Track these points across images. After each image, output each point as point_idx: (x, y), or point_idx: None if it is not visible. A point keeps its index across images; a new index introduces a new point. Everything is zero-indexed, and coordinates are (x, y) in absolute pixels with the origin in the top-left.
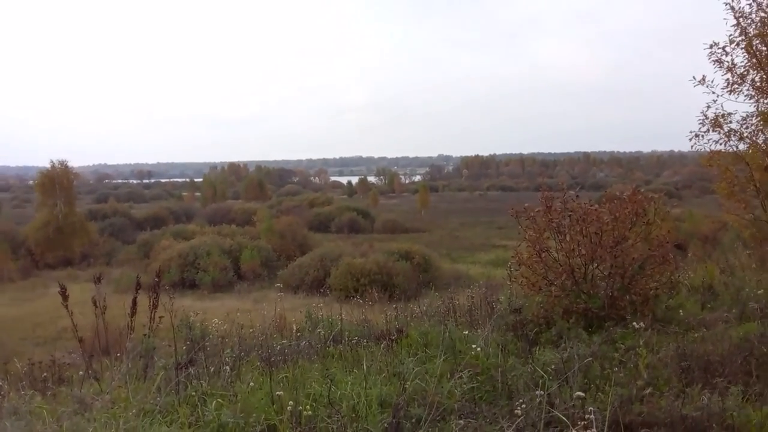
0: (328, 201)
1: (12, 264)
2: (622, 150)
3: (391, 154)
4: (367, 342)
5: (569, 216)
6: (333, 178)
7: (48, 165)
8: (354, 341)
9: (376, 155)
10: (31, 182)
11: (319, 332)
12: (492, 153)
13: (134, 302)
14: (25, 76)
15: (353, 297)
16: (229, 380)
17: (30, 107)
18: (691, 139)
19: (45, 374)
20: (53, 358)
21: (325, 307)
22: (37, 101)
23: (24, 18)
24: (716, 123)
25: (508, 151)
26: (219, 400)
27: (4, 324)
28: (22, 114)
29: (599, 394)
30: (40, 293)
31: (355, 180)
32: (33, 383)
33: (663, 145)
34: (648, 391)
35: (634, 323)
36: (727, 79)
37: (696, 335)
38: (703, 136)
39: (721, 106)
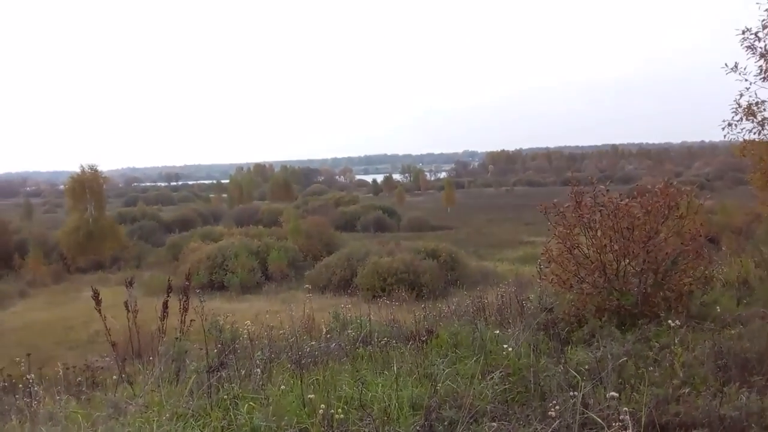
0: (354, 200)
1: (44, 268)
2: (651, 141)
3: (416, 150)
4: (396, 343)
5: (600, 211)
6: (358, 177)
7: (78, 170)
8: (383, 342)
9: (401, 152)
10: (61, 187)
11: (349, 333)
12: (518, 147)
13: (165, 305)
14: (52, 81)
15: (380, 296)
16: (261, 383)
17: (58, 112)
18: (723, 128)
19: (79, 378)
20: (87, 362)
21: (353, 307)
22: (64, 106)
23: (49, 22)
24: (750, 111)
25: (535, 146)
26: (251, 403)
27: (38, 328)
28: (50, 119)
29: (634, 394)
30: (73, 297)
31: (380, 178)
32: (68, 388)
33: (693, 136)
34: (684, 390)
35: (669, 320)
36: (761, 66)
37: (732, 332)
38: (736, 125)
39: (755, 93)
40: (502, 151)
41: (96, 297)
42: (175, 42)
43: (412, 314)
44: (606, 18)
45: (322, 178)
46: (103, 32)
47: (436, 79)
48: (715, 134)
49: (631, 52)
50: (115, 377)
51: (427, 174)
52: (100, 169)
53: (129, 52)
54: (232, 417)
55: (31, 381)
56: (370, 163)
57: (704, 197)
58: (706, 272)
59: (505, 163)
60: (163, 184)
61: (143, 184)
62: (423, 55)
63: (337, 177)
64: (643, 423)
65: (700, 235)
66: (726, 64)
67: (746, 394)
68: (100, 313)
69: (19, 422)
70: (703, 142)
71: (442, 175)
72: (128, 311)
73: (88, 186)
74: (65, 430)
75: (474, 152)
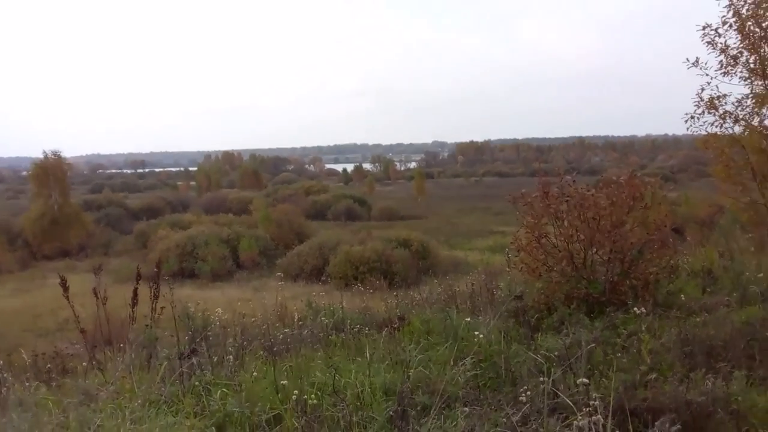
0: (324, 189)
1: (9, 255)
2: (616, 134)
3: (385, 140)
4: (369, 330)
5: (567, 201)
6: (328, 166)
7: (41, 156)
8: (356, 329)
9: (370, 142)
10: (24, 173)
11: (321, 321)
12: (487, 139)
13: (135, 292)
14: (15, 65)
15: (353, 285)
16: (233, 370)
17: (20, 97)
18: (686, 121)
19: (49, 365)
20: (56, 349)
21: (326, 295)
22: (27, 91)
23: (15, 8)
24: (711, 105)
25: (503, 137)
26: (223, 389)
27: (5, 316)
28: (12, 104)
29: (603, 380)
30: (39, 284)
31: (350, 167)
32: (37, 375)
33: (657, 129)
34: (652, 376)
35: (635, 308)
36: (721, 61)
37: (698, 320)
38: (698, 118)
39: (716, 87)
40: (471, 142)
41: (64, 284)
42: (141, 26)
43: (384, 302)
44: (570, 6)
45: (292, 167)
46: (66, 14)
47: (401, 65)
48: (678, 128)
49: (596, 44)
50: (85, 364)
51: (397, 164)
52: (63, 155)
53: (93, 35)
54: (205, 403)
55: None
56: (339, 152)
57: (668, 189)
58: (672, 262)
59: (474, 153)
60: (129, 172)
61: (108, 171)
62: (388, 40)
63: (306, 166)
64: (611, 408)
65: (665, 226)
66: (687, 59)
67: (712, 380)
68: (68, 299)
69: None
70: (666, 135)
71: (412, 165)
72: (97, 298)
73: (51, 172)
74: (36, 417)
75: (443, 143)
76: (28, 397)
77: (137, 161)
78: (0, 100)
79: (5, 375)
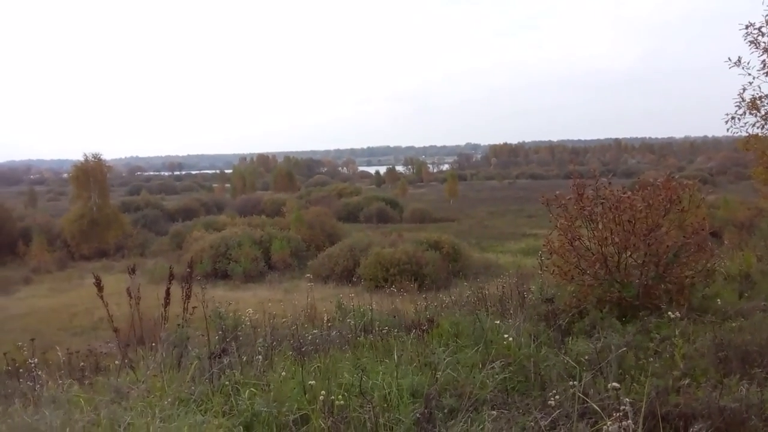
0: (357, 191)
1: (48, 255)
2: (654, 136)
3: (418, 143)
4: (397, 332)
5: (601, 203)
6: (361, 168)
7: (82, 158)
8: (384, 331)
9: (403, 144)
10: (65, 175)
11: (350, 322)
12: (521, 141)
13: (167, 293)
14: (57, 70)
15: (383, 287)
16: (262, 370)
17: (62, 101)
18: (726, 122)
19: (83, 364)
20: (90, 347)
21: (356, 297)
22: (69, 96)
23: (53, 11)
24: (753, 105)
25: (538, 139)
26: (252, 389)
27: (42, 314)
28: (55, 108)
29: (634, 384)
30: (76, 284)
31: (383, 170)
32: (71, 372)
33: (696, 131)
34: (684, 381)
35: (670, 313)
36: (764, 61)
37: (733, 325)
38: (739, 119)
39: (759, 87)
40: (505, 144)
41: (98, 283)
42: (180, 32)
43: (413, 304)
44: (607, 8)
45: (325, 169)
46: (108, 22)
47: (437, 71)
48: (718, 129)
49: (633, 43)
50: (117, 363)
51: (430, 166)
52: (103, 157)
53: (134, 41)
54: (234, 402)
55: (34, 365)
56: (372, 155)
57: (706, 191)
58: (708, 265)
59: (507, 155)
60: (166, 174)
61: (146, 173)
62: (425, 45)
63: (340, 168)
64: (642, 413)
65: (703, 229)
66: (729, 58)
67: (746, 386)
68: (102, 299)
69: (23, 405)
70: (706, 137)
71: (445, 167)
72: (131, 298)
73: (91, 174)
74: (68, 414)
75: (477, 145)
76: (60, 394)
77: (174, 164)
78: (42, 103)
79: (39, 373)
